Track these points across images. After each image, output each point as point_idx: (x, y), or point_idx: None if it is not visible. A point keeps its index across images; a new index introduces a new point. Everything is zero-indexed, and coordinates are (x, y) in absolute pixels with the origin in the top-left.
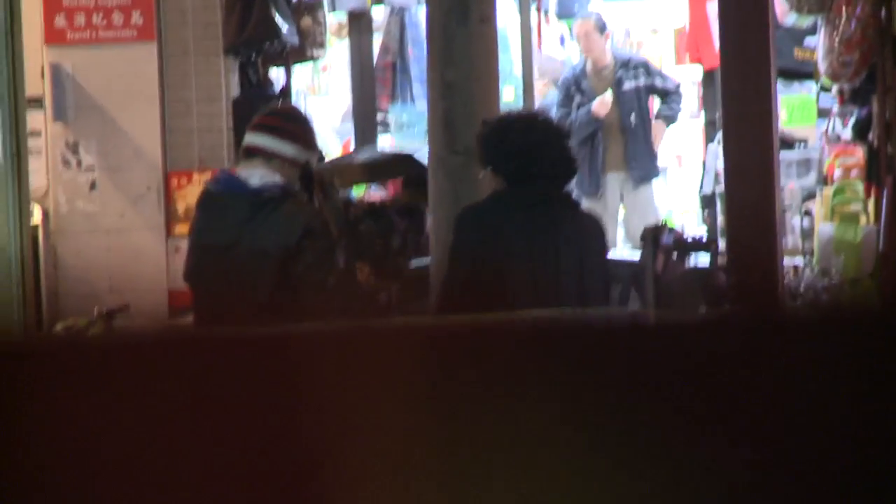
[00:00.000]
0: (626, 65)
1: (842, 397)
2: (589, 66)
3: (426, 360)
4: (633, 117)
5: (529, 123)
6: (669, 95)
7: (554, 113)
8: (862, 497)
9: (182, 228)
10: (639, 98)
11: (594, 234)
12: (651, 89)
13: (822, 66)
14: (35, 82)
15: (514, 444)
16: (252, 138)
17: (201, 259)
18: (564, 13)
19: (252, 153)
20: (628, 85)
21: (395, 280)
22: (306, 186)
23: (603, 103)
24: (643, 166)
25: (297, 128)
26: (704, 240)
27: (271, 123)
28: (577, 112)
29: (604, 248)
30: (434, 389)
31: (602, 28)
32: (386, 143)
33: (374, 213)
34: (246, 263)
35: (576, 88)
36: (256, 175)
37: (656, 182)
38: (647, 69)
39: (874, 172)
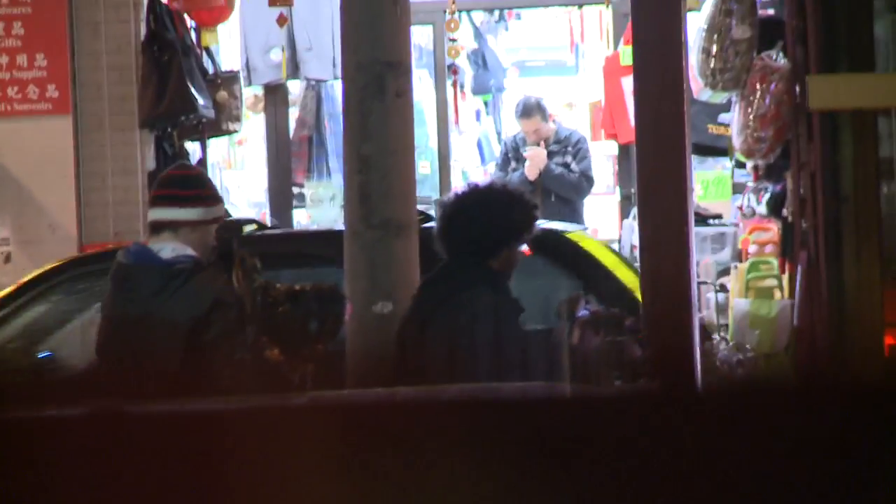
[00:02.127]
0: (561, 141)
1: (758, 468)
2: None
3: (338, 435)
4: (553, 197)
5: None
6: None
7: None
8: None
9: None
10: (561, 180)
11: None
12: (567, 167)
13: (736, 142)
14: None
15: None
16: (155, 213)
17: (113, 332)
18: (480, 89)
19: (158, 228)
20: (557, 159)
21: (310, 363)
22: (226, 265)
23: (537, 155)
24: None
25: (193, 190)
26: (620, 314)
27: (168, 194)
28: (511, 175)
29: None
30: (348, 463)
31: (545, 115)
32: (301, 217)
33: (293, 297)
34: (156, 335)
35: (514, 154)
36: (168, 248)
37: None
38: (573, 147)
39: (788, 248)
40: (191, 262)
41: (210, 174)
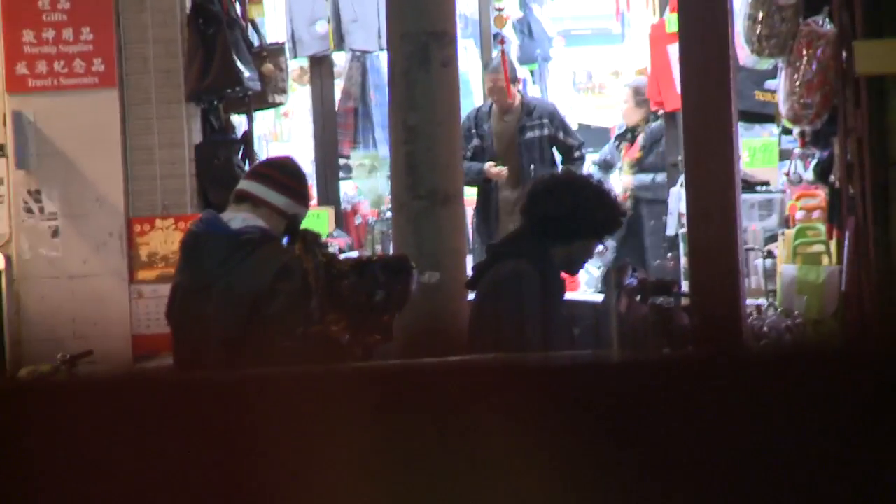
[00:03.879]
0: (531, 112)
1: (808, 434)
2: (494, 108)
3: (379, 403)
4: (533, 167)
5: None
6: (571, 151)
7: None
8: None
9: (145, 274)
10: (541, 148)
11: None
12: (553, 140)
13: (783, 109)
14: None
15: (473, 487)
16: (244, 184)
17: (180, 298)
18: (526, 58)
19: (242, 198)
20: (531, 134)
21: (378, 336)
22: (291, 239)
23: (498, 173)
24: None
25: (290, 181)
26: (668, 281)
27: (266, 172)
28: (469, 164)
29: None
30: (390, 431)
31: (514, 79)
32: (348, 188)
33: (358, 269)
34: (220, 303)
35: (476, 130)
36: (239, 218)
37: None
38: (553, 119)
39: (836, 214)
40: (258, 233)
41: (256, 146)
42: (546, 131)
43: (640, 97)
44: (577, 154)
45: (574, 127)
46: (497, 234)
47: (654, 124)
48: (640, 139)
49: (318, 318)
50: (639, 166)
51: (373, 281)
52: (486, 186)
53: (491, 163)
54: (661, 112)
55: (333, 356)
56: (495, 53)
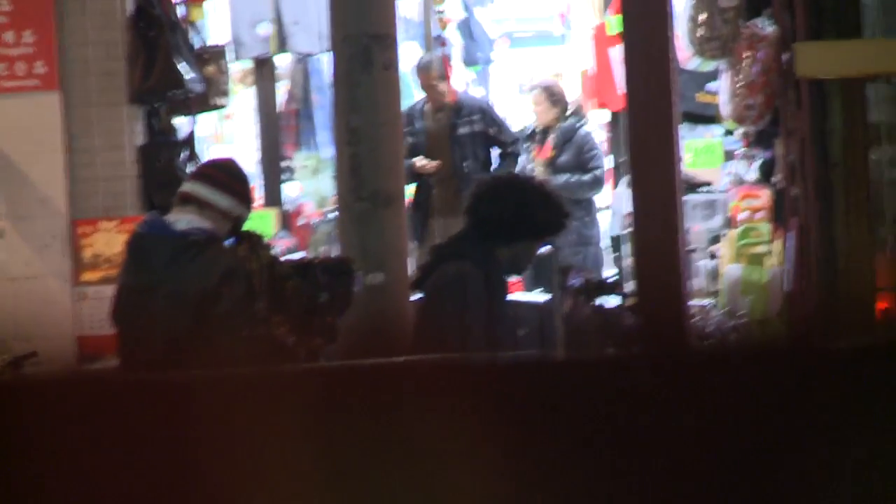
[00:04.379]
0: (461, 109)
1: (750, 431)
2: (427, 107)
3: (323, 403)
4: (466, 164)
5: None
6: (504, 147)
7: None
8: None
9: (89, 276)
10: (474, 145)
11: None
12: (486, 137)
13: (725, 110)
14: None
15: (419, 485)
16: (189, 186)
17: (125, 299)
18: (469, 60)
19: (186, 200)
20: (462, 130)
21: (321, 338)
22: (236, 240)
23: (424, 166)
24: None
25: (234, 182)
26: (612, 281)
27: (210, 174)
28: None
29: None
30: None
31: (442, 75)
32: (292, 189)
33: (301, 271)
34: (165, 305)
35: (409, 129)
36: (184, 220)
37: None
38: (485, 116)
39: (779, 214)
40: (203, 235)
41: (199, 149)
42: (477, 127)
43: (553, 97)
44: (510, 150)
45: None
46: (430, 232)
47: (564, 123)
48: (552, 139)
49: (263, 319)
50: (552, 167)
51: (315, 283)
52: (421, 184)
53: (419, 157)
54: (577, 110)
55: (278, 358)
56: (427, 53)
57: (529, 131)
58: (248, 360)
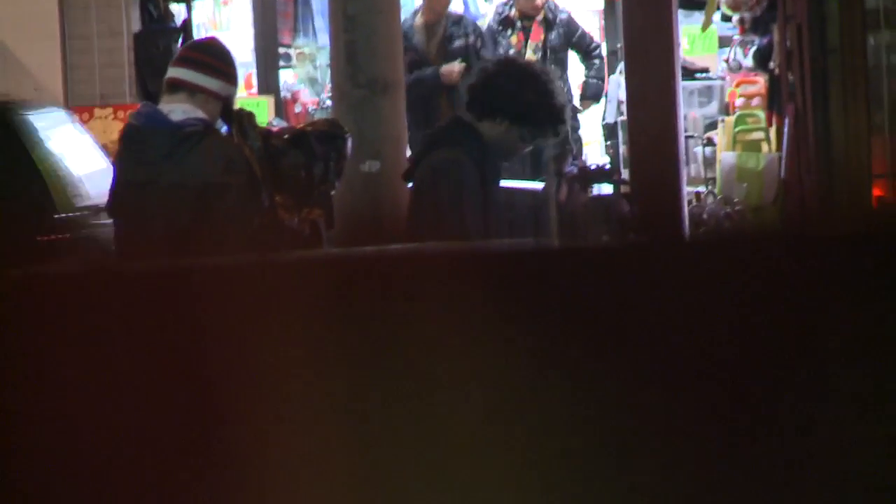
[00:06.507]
0: (457, 22)
1: (748, 319)
2: (418, 21)
3: (330, 291)
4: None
5: None
6: None
7: None
8: (773, 411)
9: None
10: (468, 57)
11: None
12: (477, 51)
13: None
14: None
15: (422, 373)
16: (175, 72)
17: (123, 193)
18: None
19: (175, 87)
20: (458, 42)
21: (320, 209)
22: (226, 120)
23: (452, 71)
24: None
25: (219, 62)
26: (608, 168)
27: (195, 57)
28: (419, 73)
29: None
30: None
31: None
32: (288, 77)
33: (296, 142)
34: (166, 198)
35: (406, 44)
36: (179, 110)
37: None
38: (479, 31)
39: (776, 101)
40: (201, 126)
41: (195, 35)
42: (472, 39)
43: None
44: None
45: None
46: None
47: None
48: (538, 22)
49: (268, 205)
50: (548, 48)
51: (310, 153)
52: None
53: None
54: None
55: (286, 242)
56: None
57: (501, 18)
58: (259, 248)
